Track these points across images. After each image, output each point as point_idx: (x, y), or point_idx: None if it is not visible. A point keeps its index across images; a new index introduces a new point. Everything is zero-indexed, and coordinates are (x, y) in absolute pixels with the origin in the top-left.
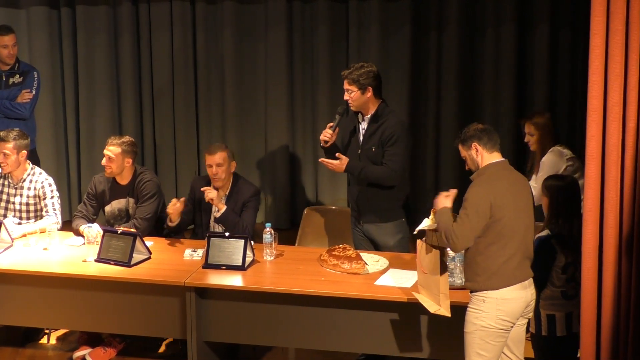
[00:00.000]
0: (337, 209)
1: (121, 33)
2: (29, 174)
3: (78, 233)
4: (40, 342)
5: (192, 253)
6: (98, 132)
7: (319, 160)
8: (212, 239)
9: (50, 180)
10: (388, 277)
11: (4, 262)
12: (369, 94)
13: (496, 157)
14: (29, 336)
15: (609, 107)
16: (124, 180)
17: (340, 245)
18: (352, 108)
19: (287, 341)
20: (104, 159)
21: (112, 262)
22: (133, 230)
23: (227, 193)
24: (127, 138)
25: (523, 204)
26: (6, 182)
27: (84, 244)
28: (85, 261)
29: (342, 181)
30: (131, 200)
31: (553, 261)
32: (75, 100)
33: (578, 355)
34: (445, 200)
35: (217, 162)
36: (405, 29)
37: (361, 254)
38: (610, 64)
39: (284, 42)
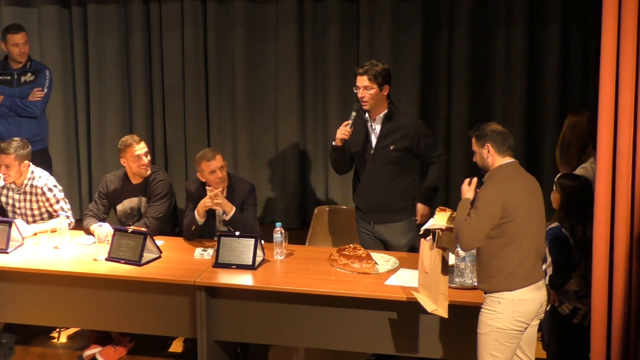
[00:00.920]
0: (348, 209)
1: (132, 32)
2: (29, 179)
3: (89, 232)
4: (51, 340)
5: (203, 252)
6: (109, 131)
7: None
8: (222, 238)
9: (50, 183)
10: (398, 276)
11: (15, 260)
12: (385, 92)
13: (507, 159)
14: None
15: (620, 107)
16: (136, 179)
17: (351, 245)
18: (365, 107)
19: (297, 340)
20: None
21: (122, 261)
22: (144, 229)
23: (224, 195)
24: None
25: (535, 205)
26: (10, 187)
27: (94, 242)
28: (95, 260)
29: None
30: (143, 199)
31: (568, 247)
32: (86, 98)
33: (589, 355)
34: (467, 191)
35: (220, 165)
36: (416, 28)
37: (371, 253)
38: (622, 63)
39: (294, 41)
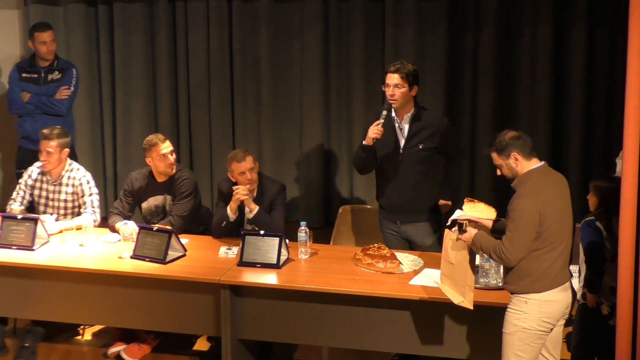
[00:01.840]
0: (372, 208)
1: (158, 31)
2: (67, 171)
3: (114, 230)
4: (75, 338)
5: (227, 251)
6: (134, 129)
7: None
8: (247, 237)
9: (89, 176)
10: (423, 276)
11: (40, 257)
12: (414, 93)
13: (535, 162)
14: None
15: None
16: (161, 177)
17: (375, 245)
18: (394, 105)
19: (321, 340)
20: None
21: (147, 259)
22: (169, 227)
23: (254, 195)
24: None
25: (566, 207)
26: (45, 179)
27: (119, 240)
28: (120, 258)
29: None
30: (168, 197)
31: (600, 239)
32: (112, 97)
33: None
34: (470, 231)
35: (250, 167)
36: (442, 28)
37: (396, 253)
38: None
39: (319, 41)
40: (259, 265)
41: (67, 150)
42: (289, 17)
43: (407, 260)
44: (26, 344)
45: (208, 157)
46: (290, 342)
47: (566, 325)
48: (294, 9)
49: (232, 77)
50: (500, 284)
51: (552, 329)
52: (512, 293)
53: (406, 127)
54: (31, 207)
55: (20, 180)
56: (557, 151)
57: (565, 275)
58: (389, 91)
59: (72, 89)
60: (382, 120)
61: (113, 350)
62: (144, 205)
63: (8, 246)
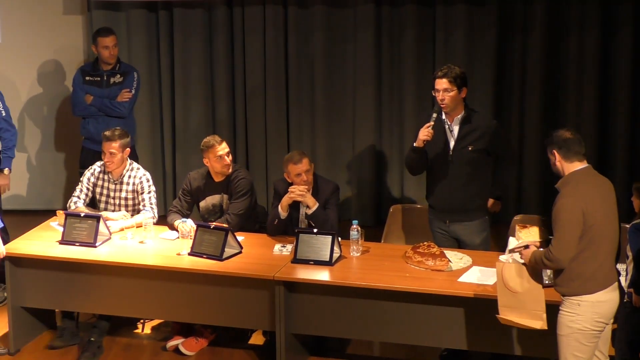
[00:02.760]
0: (423, 207)
1: (216, 35)
2: (127, 170)
3: (172, 227)
4: (135, 331)
5: (282, 248)
6: (193, 131)
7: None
8: (300, 235)
9: (148, 175)
10: (471, 274)
11: (102, 254)
12: (463, 95)
13: (577, 164)
14: (124, 324)
15: None
16: (218, 177)
17: (425, 243)
18: (445, 109)
19: (373, 335)
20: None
21: (204, 256)
22: (225, 225)
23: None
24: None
25: (610, 209)
26: (106, 177)
27: (178, 237)
28: (179, 254)
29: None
30: (225, 196)
31: None
32: (172, 99)
33: None
34: (526, 253)
35: (306, 169)
36: (491, 33)
37: (445, 251)
38: None
39: (372, 45)
40: (312, 263)
41: (128, 150)
42: (342, 22)
43: (456, 258)
44: (92, 338)
45: (264, 158)
46: (342, 336)
47: None
48: (347, 14)
49: (287, 80)
50: (547, 282)
51: (605, 328)
52: (563, 295)
53: (456, 129)
54: (92, 203)
55: (82, 178)
56: (603, 153)
57: (614, 275)
58: (438, 96)
59: (133, 91)
60: (432, 123)
61: (171, 343)
62: (202, 204)
63: (72, 243)
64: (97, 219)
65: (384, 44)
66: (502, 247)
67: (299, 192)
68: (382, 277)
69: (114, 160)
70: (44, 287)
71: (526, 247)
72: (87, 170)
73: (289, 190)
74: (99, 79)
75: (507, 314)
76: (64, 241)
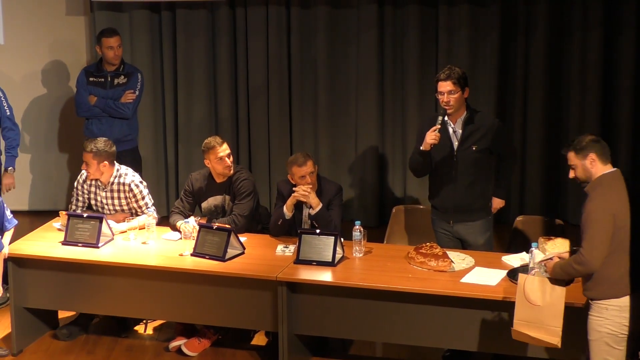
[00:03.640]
0: (425, 208)
1: (219, 36)
2: (115, 177)
3: (175, 228)
4: (137, 331)
5: (284, 249)
6: (195, 131)
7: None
8: (303, 235)
9: (137, 179)
10: (474, 275)
11: (105, 254)
12: (466, 95)
13: (609, 167)
14: (127, 325)
15: None
16: (220, 178)
17: (428, 244)
18: (449, 110)
19: (375, 335)
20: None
21: (207, 257)
22: (228, 226)
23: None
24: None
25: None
26: (97, 184)
27: (180, 238)
28: (181, 255)
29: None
30: (227, 197)
31: None
32: (174, 100)
33: None
34: (548, 265)
35: (310, 171)
36: (494, 33)
37: (448, 252)
38: None
39: (375, 46)
40: (314, 263)
41: (106, 163)
42: (345, 23)
43: (458, 258)
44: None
45: (266, 159)
46: (345, 337)
47: None
48: (350, 15)
49: (290, 81)
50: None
51: None
52: (591, 299)
53: (459, 129)
54: (90, 208)
55: (75, 185)
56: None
57: None
58: (443, 98)
59: (137, 92)
60: (438, 126)
61: (174, 344)
62: (204, 205)
63: (74, 244)
64: (100, 219)
65: (386, 44)
66: (504, 248)
67: (302, 191)
68: (384, 277)
69: (89, 170)
70: (46, 288)
71: (550, 259)
72: (79, 177)
73: (293, 190)
74: (102, 79)
75: (523, 328)
76: (66, 242)
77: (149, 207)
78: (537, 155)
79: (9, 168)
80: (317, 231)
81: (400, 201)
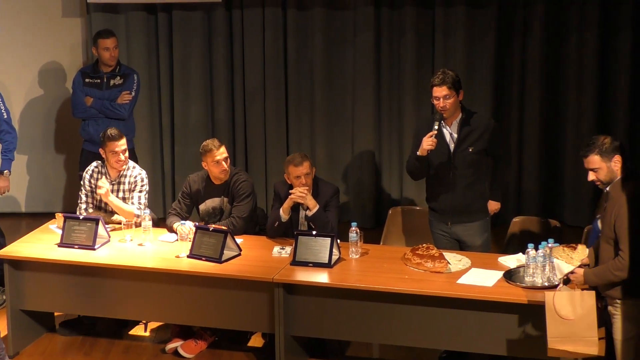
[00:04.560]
0: (421, 210)
1: (215, 37)
2: (126, 169)
3: (172, 230)
4: (133, 332)
5: (281, 250)
6: (192, 133)
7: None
8: (300, 237)
9: (144, 174)
10: (470, 276)
11: (101, 256)
12: (461, 97)
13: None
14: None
15: None
16: (217, 180)
17: (424, 245)
18: (446, 115)
19: (372, 337)
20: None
21: (203, 258)
22: (224, 227)
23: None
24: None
25: None
26: (104, 178)
27: (177, 240)
28: (178, 257)
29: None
30: (225, 199)
31: None
32: (171, 101)
33: None
34: (577, 273)
35: (306, 172)
36: (490, 34)
37: (444, 253)
38: None
39: (371, 48)
40: (311, 265)
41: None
42: (342, 24)
43: (455, 260)
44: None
45: (263, 160)
46: (342, 338)
47: None
48: (346, 17)
49: (287, 83)
50: (546, 284)
51: None
52: (619, 299)
53: (455, 132)
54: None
55: (82, 182)
56: None
57: None
58: (439, 104)
59: (133, 94)
60: (435, 132)
61: (171, 346)
62: (202, 206)
63: (71, 245)
64: (96, 221)
65: (383, 46)
66: (501, 249)
67: (299, 193)
68: (381, 279)
69: (126, 155)
70: (43, 290)
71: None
72: (85, 173)
73: (289, 193)
74: (99, 81)
75: (558, 345)
76: (63, 244)
77: (140, 203)
78: (533, 156)
79: (5, 171)
80: (314, 233)
81: (397, 203)
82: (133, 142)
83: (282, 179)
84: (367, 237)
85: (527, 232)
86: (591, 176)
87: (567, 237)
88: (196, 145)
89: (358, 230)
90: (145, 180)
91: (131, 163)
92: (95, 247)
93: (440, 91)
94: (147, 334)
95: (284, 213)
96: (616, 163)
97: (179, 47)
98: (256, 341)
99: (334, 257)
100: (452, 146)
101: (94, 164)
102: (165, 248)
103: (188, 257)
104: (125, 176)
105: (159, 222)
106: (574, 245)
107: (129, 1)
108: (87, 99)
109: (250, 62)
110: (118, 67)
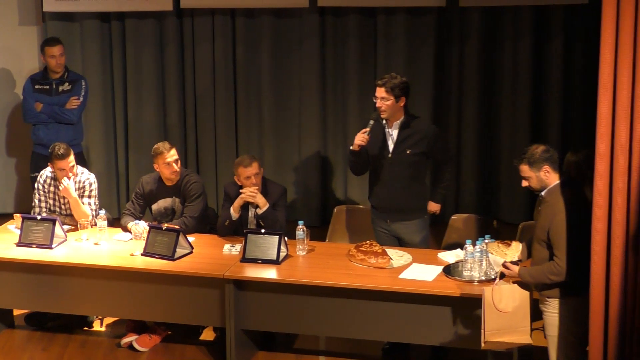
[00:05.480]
0: (365, 208)
1: (166, 44)
2: (75, 175)
3: (126, 229)
4: (90, 328)
5: (231, 248)
6: (145, 136)
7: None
8: (249, 235)
9: (92, 179)
10: (411, 271)
11: (58, 255)
12: (402, 104)
13: (558, 176)
14: (81, 322)
15: (617, 114)
16: (169, 181)
17: (368, 242)
18: (383, 115)
19: (319, 330)
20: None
21: (157, 256)
22: (176, 226)
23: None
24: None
25: None
26: (56, 184)
27: (131, 239)
28: (132, 255)
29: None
30: (177, 200)
31: None
32: (124, 106)
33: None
34: (512, 269)
35: (255, 172)
36: (430, 42)
37: (387, 249)
38: (619, 74)
39: (317, 53)
40: (260, 262)
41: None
42: (288, 32)
43: (397, 256)
44: None
45: (213, 162)
46: (290, 332)
47: None
48: (293, 24)
49: (236, 88)
50: (483, 278)
51: None
52: (549, 297)
53: (395, 133)
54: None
55: (36, 187)
56: None
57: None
58: (377, 103)
59: (81, 99)
60: (368, 129)
61: (126, 340)
62: (154, 207)
63: (29, 245)
64: (53, 222)
65: (327, 52)
66: (440, 245)
67: (250, 192)
68: (327, 274)
69: (74, 171)
70: (2, 288)
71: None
72: (39, 177)
73: (240, 192)
74: (48, 87)
75: (494, 337)
76: (21, 243)
77: (92, 209)
78: (471, 157)
79: None
80: (262, 231)
81: (342, 202)
82: (81, 146)
83: (232, 180)
84: (313, 235)
85: (465, 229)
86: (524, 183)
87: (503, 234)
88: (149, 148)
89: (305, 228)
90: (94, 185)
91: (80, 169)
92: (53, 246)
93: (379, 92)
94: (103, 329)
95: (234, 212)
96: (546, 172)
97: (132, 54)
98: (208, 335)
99: (282, 254)
100: (391, 146)
101: (48, 171)
102: (120, 247)
103: (142, 255)
104: (77, 182)
105: (114, 222)
106: (508, 242)
107: (83, 10)
108: (37, 104)
109: (201, 67)
110: (66, 73)
